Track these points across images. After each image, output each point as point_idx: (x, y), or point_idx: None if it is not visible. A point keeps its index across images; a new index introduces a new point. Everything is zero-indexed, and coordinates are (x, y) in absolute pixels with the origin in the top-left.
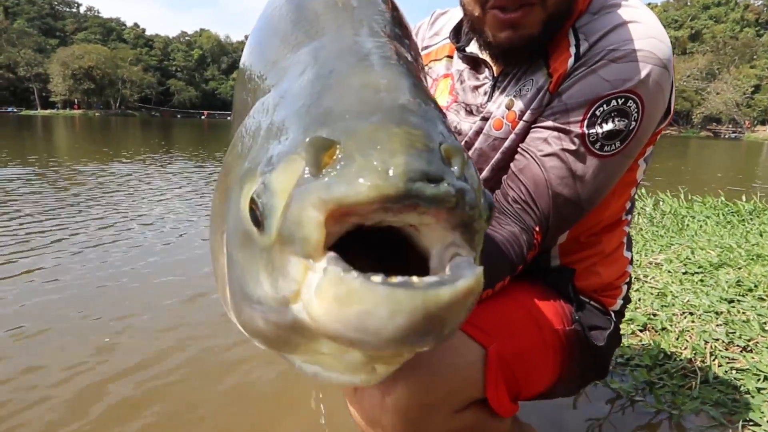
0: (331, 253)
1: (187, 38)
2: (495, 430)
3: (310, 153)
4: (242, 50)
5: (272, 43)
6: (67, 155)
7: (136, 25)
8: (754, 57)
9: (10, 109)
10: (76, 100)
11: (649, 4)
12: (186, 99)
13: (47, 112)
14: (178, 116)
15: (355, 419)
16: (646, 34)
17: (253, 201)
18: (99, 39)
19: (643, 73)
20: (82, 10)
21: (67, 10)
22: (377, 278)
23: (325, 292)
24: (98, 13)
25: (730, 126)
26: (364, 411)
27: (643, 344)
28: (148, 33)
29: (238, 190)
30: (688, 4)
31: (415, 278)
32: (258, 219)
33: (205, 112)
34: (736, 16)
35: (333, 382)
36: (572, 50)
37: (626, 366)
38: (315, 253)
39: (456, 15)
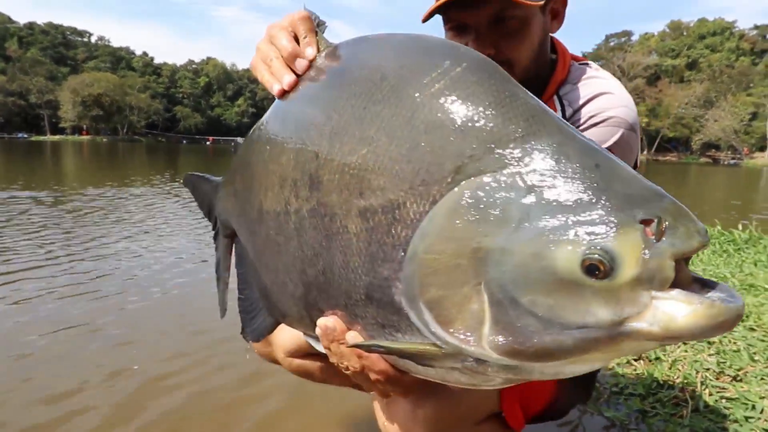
0: (694, 284)
1: (194, 66)
2: None
3: (650, 226)
4: (248, 77)
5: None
6: (77, 180)
7: (144, 53)
8: (751, 85)
9: (20, 135)
10: (85, 126)
11: (645, 34)
12: (192, 125)
13: (56, 137)
14: (184, 142)
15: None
16: (618, 103)
17: (589, 262)
18: (109, 67)
19: (617, 136)
20: (93, 39)
21: (79, 39)
22: (715, 297)
23: (689, 312)
24: (109, 42)
25: (729, 152)
26: (396, 422)
27: (637, 373)
28: (156, 61)
29: (546, 253)
30: (684, 33)
31: (721, 296)
32: (600, 271)
33: (211, 138)
34: (731, 46)
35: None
36: (559, 114)
37: (620, 395)
38: (665, 286)
39: None
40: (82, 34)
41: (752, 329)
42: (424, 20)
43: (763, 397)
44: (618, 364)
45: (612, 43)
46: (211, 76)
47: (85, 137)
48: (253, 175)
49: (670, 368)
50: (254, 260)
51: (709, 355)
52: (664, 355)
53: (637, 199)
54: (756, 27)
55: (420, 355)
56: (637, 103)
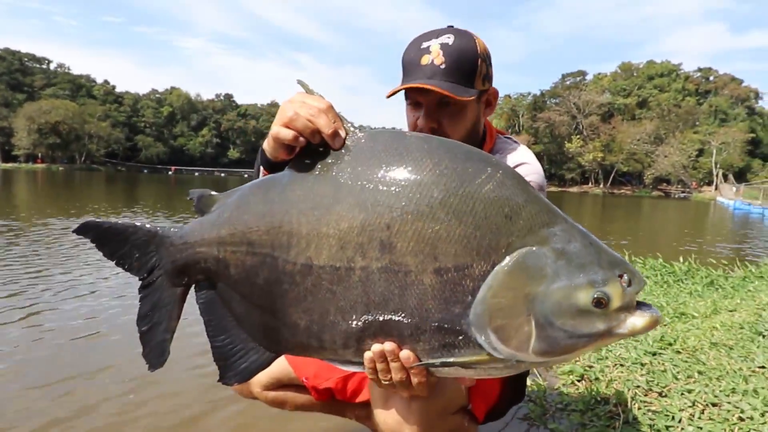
0: (638, 307)
1: (157, 95)
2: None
3: (626, 281)
4: (213, 108)
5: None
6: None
7: (106, 81)
8: (696, 123)
9: None
10: (39, 154)
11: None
12: (154, 154)
13: (9, 165)
14: (144, 171)
15: (381, 424)
16: (532, 170)
17: (597, 299)
18: (68, 95)
19: None
20: (52, 66)
21: (37, 66)
22: (647, 312)
23: (637, 320)
24: (69, 69)
25: (679, 186)
26: (394, 409)
27: (579, 392)
28: (118, 90)
29: (571, 295)
30: (635, 74)
31: (651, 311)
32: (600, 303)
33: (173, 168)
34: (678, 86)
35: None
36: None
37: (564, 410)
38: (631, 309)
39: None
40: (40, 61)
41: (678, 352)
42: (389, 96)
43: (682, 410)
44: (563, 384)
45: (568, 82)
46: (175, 105)
47: (39, 165)
48: (288, 232)
49: (606, 387)
50: (269, 304)
51: (640, 375)
52: (603, 375)
53: (615, 263)
54: (699, 69)
55: (478, 362)
56: (592, 139)
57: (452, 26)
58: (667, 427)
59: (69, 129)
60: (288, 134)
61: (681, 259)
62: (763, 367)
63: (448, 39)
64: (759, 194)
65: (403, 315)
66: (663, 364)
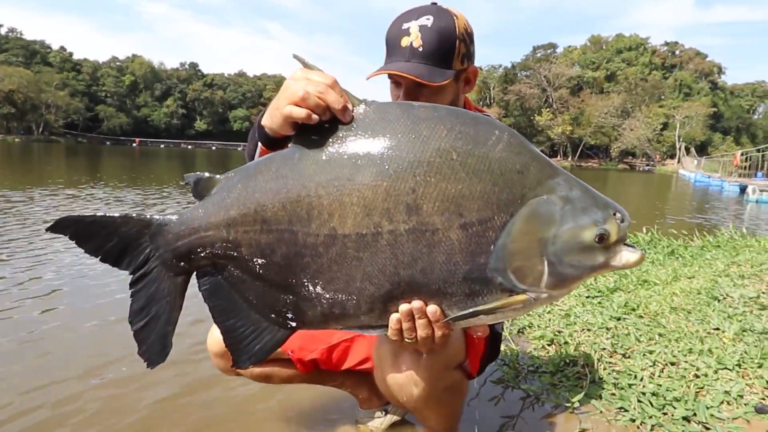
0: (624, 244)
1: (118, 63)
2: (464, 385)
3: (619, 218)
4: (177, 77)
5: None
6: None
7: (62, 48)
8: (662, 97)
9: None
10: None
11: (569, 47)
12: (116, 126)
13: None
14: (107, 143)
15: (389, 384)
16: None
17: (600, 235)
18: (21, 62)
19: None
20: (3, 31)
21: None
22: (639, 250)
23: (630, 255)
24: (21, 34)
25: (644, 159)
26: (404, 366)
27: (549, 355)
28: (75, 57)
29: (578, 234)
30: (603, 48)
31: (638, 250)
32: (602, 238)
33: (137, 140)
34: (645, 60)
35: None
36: None
37: (535, 373)
38: (624, 241)
39: None
40: None
41: (640, 317)
42: (368, 78)
43: (644, 369)
44: (535, 348)
45: (539, 54)
46: (137, 74)
47: None
48: (308, 205)
49: (574, 350)
50: (286, 280)
51: (606, 338)
52: (571, 339)
53: (609, 204)
54: (666, 44)
55: (503, 306)
56: (561, 112)
57: (435, 3)
58: (629, 385)
59: (24, 98)
60: (302, 113)
61: (644, 230)
62: (717, 329)
63: (428, 21)
64: (718, 167)
65: (431, 272)
66: (627, 328)
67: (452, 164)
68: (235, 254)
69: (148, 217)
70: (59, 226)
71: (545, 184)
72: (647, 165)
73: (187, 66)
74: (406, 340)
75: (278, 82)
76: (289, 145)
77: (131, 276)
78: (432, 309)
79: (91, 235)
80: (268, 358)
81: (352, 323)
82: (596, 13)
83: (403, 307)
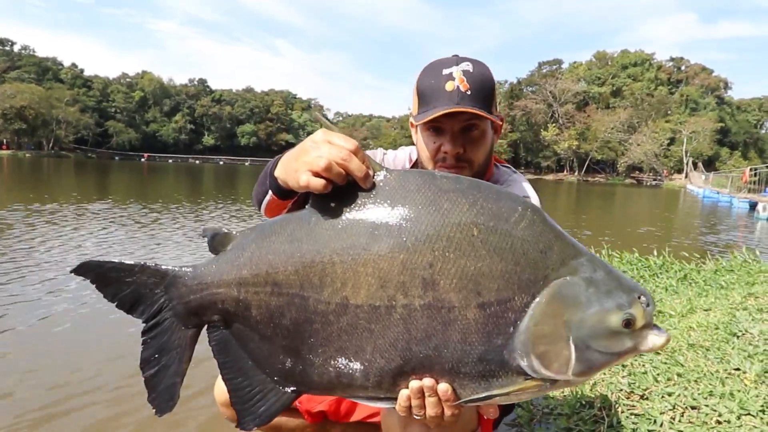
0: (654, 327)
1: (128, 80)
2: None
3: (644, 302)
4: (186, 93)
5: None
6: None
7: (74, 65)
8: (668, 112)
9: None
10: (5, 140)
11: (574, 63)
12: (125, 141)
13: None
14: (116, 158)
15: None
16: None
17: (627, 321)
18: (33, 78)
19: None
20: (16, 48)
21: (0, 48)
22: (665, 331)
23: (657, 338)
24: (33, 51)
25: (651, 174)
26: None
27: (564, 396)
28: (86, 73)
29: (605, 319)
30: (609, 63)
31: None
32: (629, 323)
33: (146, 155)
34: (650, 76)
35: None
36: None
37: (550, 415)
38: (650, 327)
39: (399, 155)
40: (3, 42)
41: (657, 353)
42: (423, 123)
43: (663, 413)
44: None
45: (544, 70)
46: (147, 90)
47: (5, 152)
48: (321, 272)
49: (590, 390)
50: (294, 344)
51: (622, 377)
52: None
53: (634, 287)
54: (672, 59)
55: (525, 389)
56: (567, 127)
57: (457, 55)
58: (649, 431)
59: (35, 114)
60: (319, 185)
61: (655, 252)
62: (738, 369)
63: (468, 66)
64: (727, 183)
65: (445, 350)
66: (643, 365)
67: (472, 240)
68: (245, 314)
69: (164, 267)
70: (81, 270)
71: (569, 265)
72: (654, 180)
73: (195, 82)
74: (415, 416)
75: (285, 97)
76: (306, 206)
77: (144, 324)
78: (443, 388)
79: (110, 281)
80: None
81: (359, 393)
82: (601, 29)
83: (414, 383)
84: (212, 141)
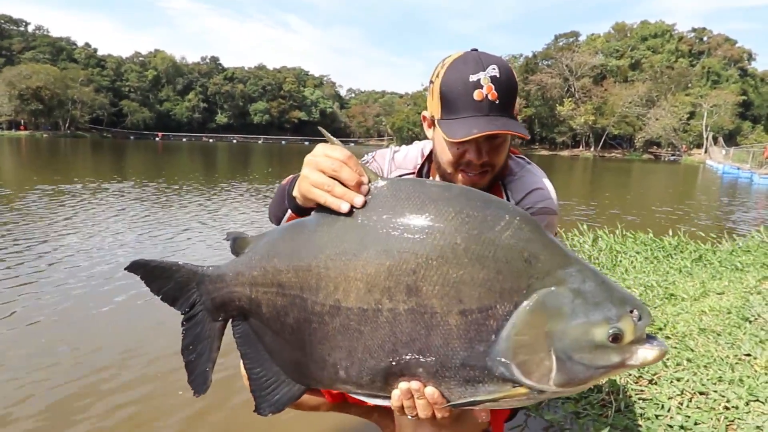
0: (647, 340)
1: (141, 59)
2: None
3: (636, 316)
4: (199, 71)
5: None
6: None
7: (87, 44)
8: (689, 85)
9: None
10: (22, 121)
11: (592, 35)
12: (140, 120)
13: None
14: (131, 138)
15: None
16: (547, 196)
17: (614, 335)
18: (48, 59)
19: (547, 221)
20: (30, 29)
21: (15, 28)
22: (656, 344)
23: (648, 353)
24: (48, 32)
25: (669, 149)
26: None
27: None
28: (100, 53)
29: (589, 332)
30: (628, 35)
31: (659, 343)
32: (617, 338)
33: (160, 134)
34: (671, 47)
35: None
36: (504, 199)
37: (558, 400)
38: (641, 342)
39: (411, 152)
40: (17, 23)
41: (667, 337)
42: (464, 142)
43: (671, 398)
44: None
45: (561, 43)
46: (160, 69)
47: (23, 132)
48: (317, 275)
49: None
50: (298, 341)
51: None
52: None
53: (626, 300)
54: (693, 30)
55: (511, 396)
56: (584, 102)
57: (476, 49)
58: (656, 416)
59: (51, 94)
60: (317, 196)
61: (670, 232)
62: (748, 355)
63: (495, 71)
64: (748, 158)
65: (428, 354)
66: None
67: (455, 248)
68: (257, 311)
69: (195, 267)
70: (132, 267)
71: (554, 275)
72: (673, 155)
73: (208, 60)
74: (409, 416)
75: (297, 74)
76: (312, 213)
77: (182, 315)
78: (430, 391)
79: (154, 277)
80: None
81: (357, 390)
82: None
83: (403, 384)
84: (225, 119)
